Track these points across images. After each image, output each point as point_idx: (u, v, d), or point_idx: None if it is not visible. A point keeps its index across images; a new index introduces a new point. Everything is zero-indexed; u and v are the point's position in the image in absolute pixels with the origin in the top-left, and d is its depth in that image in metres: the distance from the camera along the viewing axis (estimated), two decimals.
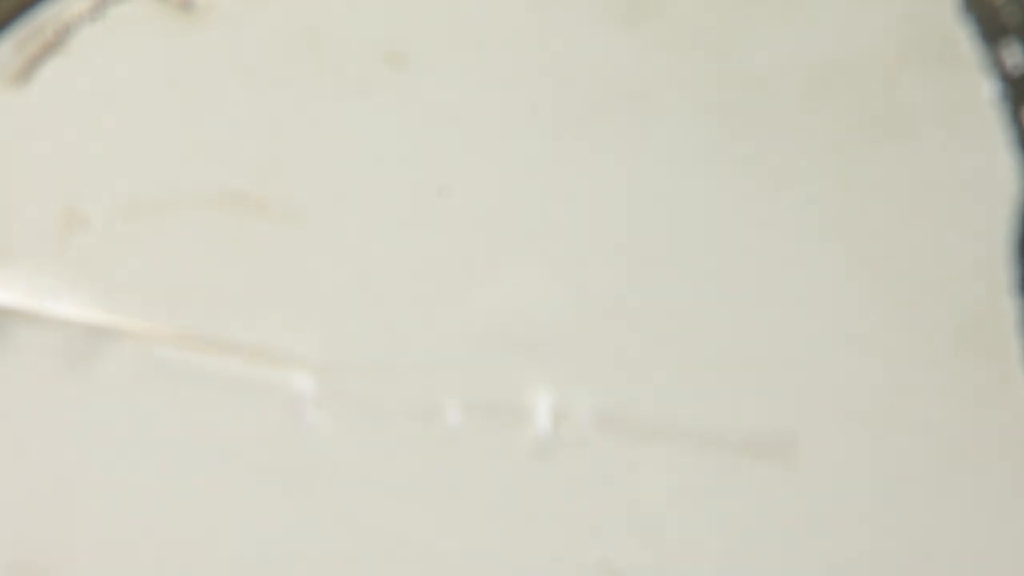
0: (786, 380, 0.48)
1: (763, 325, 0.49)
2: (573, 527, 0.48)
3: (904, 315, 0.49)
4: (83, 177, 0.50)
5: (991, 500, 0.48)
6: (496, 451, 0.48)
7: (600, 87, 0.50)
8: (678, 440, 0.48)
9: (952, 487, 0.48)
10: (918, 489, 0.48)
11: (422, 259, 0.49)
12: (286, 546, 0.48)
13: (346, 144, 0.50)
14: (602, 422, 0.48)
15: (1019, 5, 0.50)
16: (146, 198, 0.50)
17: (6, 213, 0.50)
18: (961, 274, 0.49)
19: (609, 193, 0.50)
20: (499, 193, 0.50)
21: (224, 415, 0.49)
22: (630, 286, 0.49)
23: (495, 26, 0.50)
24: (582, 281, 0.49)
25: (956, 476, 0.48)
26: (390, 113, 0.50)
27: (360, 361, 0.49)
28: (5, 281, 0.49)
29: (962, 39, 0.50)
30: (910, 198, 0.49)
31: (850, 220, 0.49)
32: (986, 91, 0.50)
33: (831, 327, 0.49)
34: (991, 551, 0.47)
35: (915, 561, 0.48)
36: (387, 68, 0.50)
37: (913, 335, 0.49)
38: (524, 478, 0.48)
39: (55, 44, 0.50)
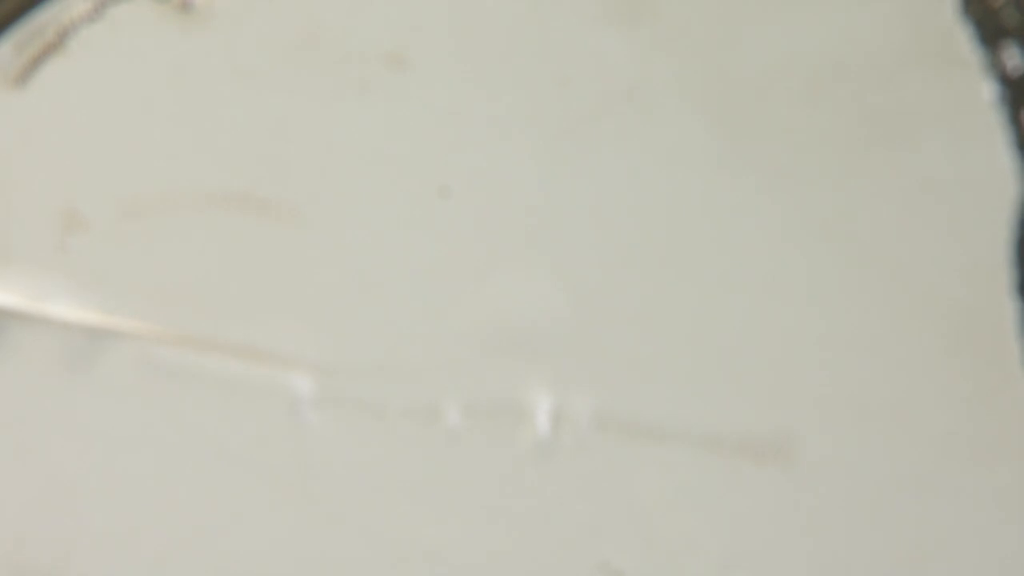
0: (785, 381, 0.48)
1: (762, 325, 0.49)
2: (573, 527, 0.48)
3: (904, 315, 0.49)
4: (83, 177, 0.50)
5: (991, 500, 0.48)
6: (496, 452, 0.48)
7: (600, 87, 0.50)
8: (677, 441, 0.48)
9: (952, 487, 0.48)
10: (917, 489, 0.48)
11: (422, 260, 0.49)
12: (285, 547, 0.48)
13: (346, 145, 0.50)
14: (602, 422, 0.48)
15: (1018, 7, 0.50)
16: (146, 198, 0.50)
17: (6, 213, 0.50)
18: (961, 275, 0.49)
19: (609, 193, 0.50)
20: (499, 194, 0.50)
21: (223, 416, 0.49)
22: (629, 287, 0.49)
23: (495, 26, 0.50)
24: (582, 281, 0.49)
25: (956, 476, 0.48)
26: (390, 114, 0.50)
27: (359, 362, 0.49)
28: (5, 281, 0.49)
29: (962, 40, 0.50)
30: (910, 198, 0.49)
31: (850, 220, 0.49)
32: (986, 92, 0.50)
33: (830, 328, 0.49)
34: (991, 551, 0.47)
35: (914, 561, 0.48)
36: (387, 69, 0.50)
37: (913, 335, 0.48)
38: (524, 478, 0.48)
39: (55, 45, 0.51)
